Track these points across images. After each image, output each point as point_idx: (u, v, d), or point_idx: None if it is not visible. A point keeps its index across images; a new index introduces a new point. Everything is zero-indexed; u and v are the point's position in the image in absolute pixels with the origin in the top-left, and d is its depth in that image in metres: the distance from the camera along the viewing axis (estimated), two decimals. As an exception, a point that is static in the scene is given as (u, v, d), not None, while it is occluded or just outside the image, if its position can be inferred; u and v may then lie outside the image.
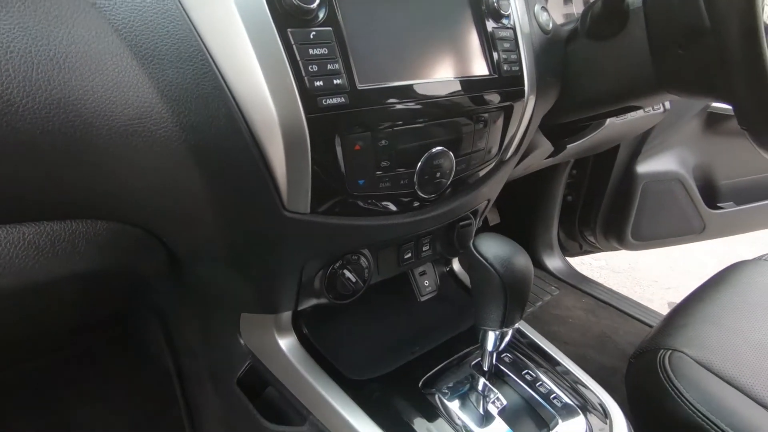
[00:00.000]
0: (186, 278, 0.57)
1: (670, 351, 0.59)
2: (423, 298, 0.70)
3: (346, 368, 0.56)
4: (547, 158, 0.88)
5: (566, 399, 0.51)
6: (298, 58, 0.38)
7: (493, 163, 0.58)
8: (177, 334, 0.88)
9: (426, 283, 0.71)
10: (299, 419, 0.55)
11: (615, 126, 0.95)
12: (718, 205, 1.42)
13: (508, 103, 0.54)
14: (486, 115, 0.52)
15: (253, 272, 0.50)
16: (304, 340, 0.59)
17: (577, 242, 1.54)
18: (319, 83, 0.39)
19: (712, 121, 1.33)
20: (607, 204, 1.39)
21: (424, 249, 0.62)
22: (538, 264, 1.46)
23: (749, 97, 0.45)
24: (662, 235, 1.42)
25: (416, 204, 0.52)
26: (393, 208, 0.50)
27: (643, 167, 1.31)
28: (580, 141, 0.87)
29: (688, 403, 0.53)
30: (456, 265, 0.76)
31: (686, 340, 0.61)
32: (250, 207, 0.42)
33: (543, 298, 1.32)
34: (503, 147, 0.57)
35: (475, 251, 0.46)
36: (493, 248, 0.46)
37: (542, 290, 1.35)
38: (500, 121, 0.55)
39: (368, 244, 0.53)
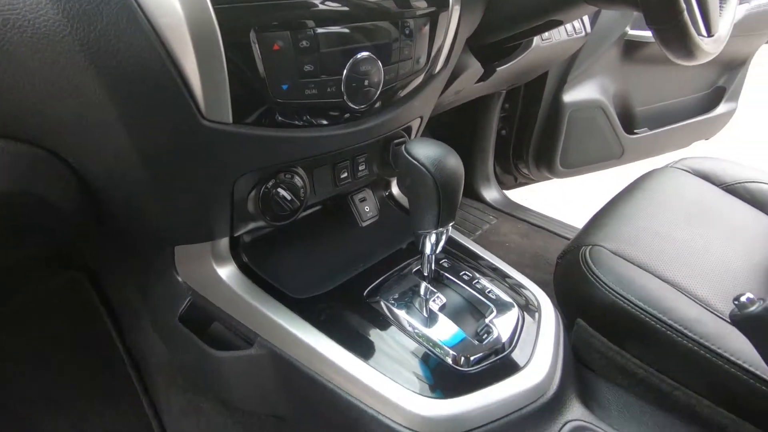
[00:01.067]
0: (108, 216, 0.53)
1: (590, 246, 0.65)
2: (364, 224, 0.70)
3: (288, 289, 0.56)
4: (478, 82, 0.90)
5: (500, 293, 0.55)
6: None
7: (422, 76, 0.58)
8: (111, 288, 0.84)
9: (366, 208, 0.71)
10: (247, 345, 0.55)
11: (541, 49, 0.98)
12: (635, 131, 1.53)
13: (433, 9, 0.53)
14: (411, 21, 0.51)
15: (179, 195, 0.47)
16: (244, 269, 0.58)
17: (512, 175, 1.62)
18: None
19: (629, 49, 1.40)
20: (538, 135, 1.45)
21: (361, 169, 0.62)
22: (477, 196, 1.52)
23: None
24: (588, 161, 1.52)
25: (346, 116, 0.50)
26: (322, 120, 0.49)
27: (569, 96, 1.37)
28: (509, 64, 0.89)
29: (605, 285, 0.59)
30: (395, 189, 0.77)
31: (603, 236, 0.67)
32: (162, 116, 0.39)
33: (482, 227, 1.39)
34: (431, 58, 0.57)
35: (406, 154, 0.46)
36: (424, 150, 0.46)
37: (481, 220, 1.41)
38: (426, 30, 0.54)
39: (300, 160, 0.52)
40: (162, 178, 0.44)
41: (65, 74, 0.34)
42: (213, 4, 0.35)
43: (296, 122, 0.46)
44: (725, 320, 0.55)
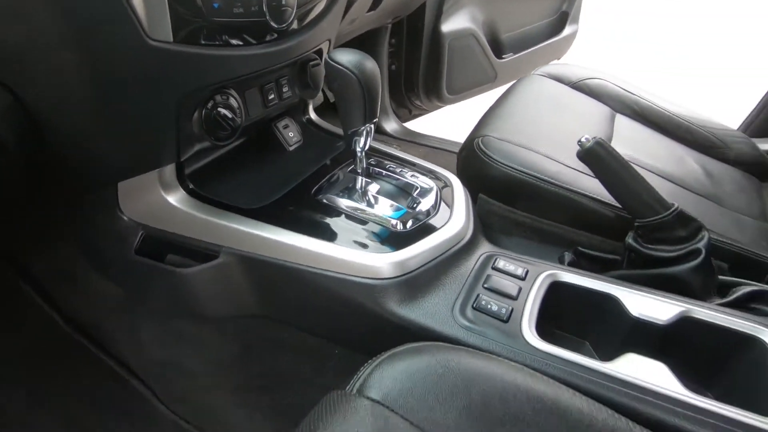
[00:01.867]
0: (51, 152, 0.53)
1: (481, 137, 0.80)
2: (291, 148, 0.77)
3: (240, 204, 0.62)
4: (369, 12, 0.98)
5: (420, 177, 0.68)
6: None
7: (326, -1, 0.65)
8: (37, 264, 0.81)
9: (291, 134, 0.78)
10: (212, 258, 0.61)
11: (418, -21, 1.09)
12: (503, 56, 1.74)
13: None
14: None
15: (127, 119, 0.50)
16: (193, 194, 0.62)
17: (406, 108, 1.76)
18: None
19: (490, -21, 1.58)
20: (424, 66, 1.59)
21: (285, 90, 0.68)
22: (378, 130, 1.64)
23: None
24: (469, 86, 1.71)
25: (272, 36, 0.57)
26: (251, 38, 0.54)
27: (446, 26, 1.52)
28: (392, -10, 0.99)
29: (498, 162, 0.75)
30: (313, 114, 0.84)
31: (490, 129, 0.84)
32: (110, 38, 0.42)
33: (389, 155, 1.52)
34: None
35: (332, 61, 0.55)
36: (346, 56, 0.55)
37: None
38: (325, -46, 0.61)
39: (234, 79, 0.57)
40: (110, 101, 0.47)
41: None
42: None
43: (230, 41, 0.51)
44: (579, 170, 0.75)
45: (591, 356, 0.46)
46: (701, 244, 0.58)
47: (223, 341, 0.68)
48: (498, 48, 1.72)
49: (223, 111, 0.56)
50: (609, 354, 0.47)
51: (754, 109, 1.17)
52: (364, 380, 0.40)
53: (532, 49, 1.79)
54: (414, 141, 1.59)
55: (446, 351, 0.42)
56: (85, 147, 0.51)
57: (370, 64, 0.56)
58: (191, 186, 0.63)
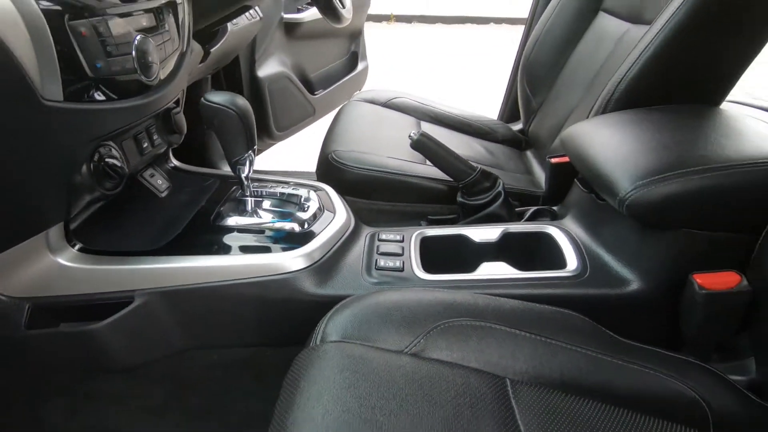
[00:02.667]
0: None
1: (333, 152, 0.98)
2: (163, 195, 0.81)
3: (139, 247, 0.65)
4: (200, 64, 1.07)
5: (300, 188, 0.81)
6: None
7: (179, 54, 0.73)
8: None
9: (159, 181, 0.82)
10: (125, 305, 0.62)
11: (234, 34, 1.22)
12: (315, 92, 1.98)
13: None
14: (164, 9, 0.67)
15: (14, 181, 0.50)
16: (84, 250, 0.62)
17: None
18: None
19: (289, 29, 1.80)
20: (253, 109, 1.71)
21: (155, 138, 0.73)
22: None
23: None
24: (294, 122, 1.89)
25: (145, 89, 0.63)
26: (129, 92, 0.60)
27: (262, 72, 1.67)
28: (218, 44, 1.10)
29: (352, 167, 0.93)
30: (175, 161, 0.89)
31: (337, 144, 1.02)
32: (5, 102, 0.44)
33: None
34: (182, 37, 0.73)
35: (208, 102, 0.64)
36: (219, 96, 0.65)
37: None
38: (172, 18, 0.70)
39: (116, 129, 0.61)
40: (4, 164, 0.47)
41: None
42: (36, 2, 0.44)
43: (112, 96, 0.56)
44: (412, 161, 0.99)
45: (461, 272, 0.67)
46: (500, 189, 0.85)
47: (151, 387, 0.68)
48: (310, 86, 1.95)
49: (111, 161, 0.60)
50: (473, 267, 0.68)
51: (502, 103, 1.65)
52: (322, 332, 0.51)
53: (337, 84, 2.08)
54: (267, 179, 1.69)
55: (375, 294, 0.56)
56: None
57: (241, 100, 0.67)
58: (79, 244, 0.63)
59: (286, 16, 1.75)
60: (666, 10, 0.75)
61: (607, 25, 1.10)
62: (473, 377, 0.46)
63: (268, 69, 1.72)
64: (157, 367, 0.67)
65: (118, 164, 0.60)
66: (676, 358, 0.53)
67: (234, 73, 1.61)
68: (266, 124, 1.75)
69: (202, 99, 0.65)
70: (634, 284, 0.63)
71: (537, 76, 1.25)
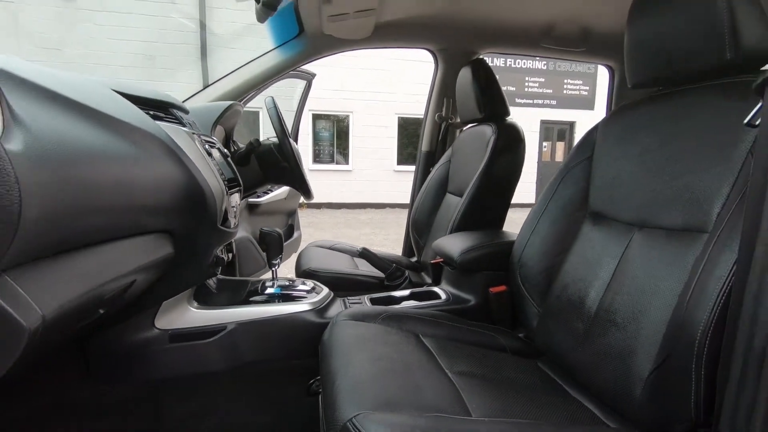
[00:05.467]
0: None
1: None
2: (214, 291, 1.39)
3: (225, 303, 1.22)
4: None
5: (307, 284, 1.44)
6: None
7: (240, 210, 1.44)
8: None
9: (211, 282, 1.41)
10: (219, 332, 1.16)
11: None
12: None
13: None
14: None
15: (204, 259, 1.11)
16: (202, 303, 1.19)
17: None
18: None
19: (251, 207, 2.57)
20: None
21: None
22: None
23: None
24: (252, 271, 2.50)
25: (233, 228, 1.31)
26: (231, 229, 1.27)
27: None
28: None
29: (320, 271, 1.60)
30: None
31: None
32: (209, 225, 1.10)
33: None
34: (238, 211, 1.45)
35: (266, 231, 1.33)
36: (269, 229, 1.34)
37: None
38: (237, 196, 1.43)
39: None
40: (203, 250, 1.09)
41: (184, 214, 1.03)
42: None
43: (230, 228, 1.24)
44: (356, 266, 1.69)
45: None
46: (407, 275, 1.59)
47: (235, 381, 1.16)
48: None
49: (221, 254, 1.22)
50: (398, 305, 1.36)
51: (403, 244, 2.50)
52: (330, 329, 1.13)
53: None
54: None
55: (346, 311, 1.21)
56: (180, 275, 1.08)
57: (277, 232, 1.36)
58: (198, 299, 1.19)
59: (250, 200, 2.55)
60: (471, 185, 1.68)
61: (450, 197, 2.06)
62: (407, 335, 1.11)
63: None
64: (230, 374, 1.17)
65: (224, 257, 1.23)
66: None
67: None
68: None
69: (263, 229, 1.33)
70: (472, 301, 1.36)
71: (421, 223, 2.12)
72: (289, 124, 3.19)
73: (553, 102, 11.81)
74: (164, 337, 1.10)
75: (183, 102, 1.84)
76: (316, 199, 9.31)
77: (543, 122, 11.94)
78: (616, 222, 1.03)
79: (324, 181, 10.45)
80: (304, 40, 1.90)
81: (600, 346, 0.93)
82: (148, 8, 8.25)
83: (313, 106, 10.10)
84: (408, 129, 11.04)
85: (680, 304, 0.74)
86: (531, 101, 11.67)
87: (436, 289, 1.45)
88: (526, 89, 11.61)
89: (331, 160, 11.10)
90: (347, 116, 10.91)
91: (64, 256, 0.58)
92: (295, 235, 3.04)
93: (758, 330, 0.56)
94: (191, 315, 1.14)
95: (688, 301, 0.72)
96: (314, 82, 3.18)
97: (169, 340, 1.11)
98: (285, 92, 3.02)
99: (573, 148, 1.23)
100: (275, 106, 1.52)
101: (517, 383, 0.97)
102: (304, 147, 10.22)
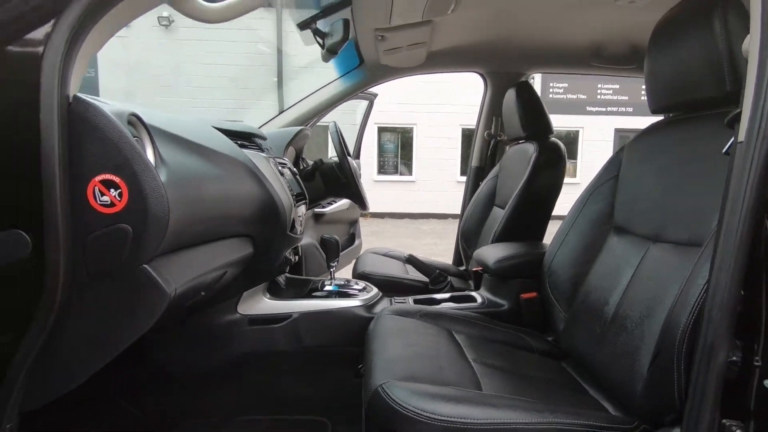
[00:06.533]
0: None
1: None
2: (283, 287, 1.66)
3: (292, 296, 1.48)
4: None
5: (360, 284, 1.67)
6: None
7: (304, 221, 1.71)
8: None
9: (281, 280, 1.68)
10: (285, 319, 1.41)
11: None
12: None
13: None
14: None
15: (276, 258, 1.37)
16: (272, 294, 1.45)
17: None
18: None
19: (316, 217, 2.88)
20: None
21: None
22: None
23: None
24: (317, 274, 2.79)
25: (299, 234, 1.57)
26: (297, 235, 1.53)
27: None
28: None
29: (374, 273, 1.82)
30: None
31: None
32: (281, 232, 1.35)
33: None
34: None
35: (328, 238, 1.57)
36: (328, 238, 1.58)
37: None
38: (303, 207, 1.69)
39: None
40: (279, 248, 1.36)
41: (262, 223, 1.30)
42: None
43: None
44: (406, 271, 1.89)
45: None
46: (449, 280, 1.75)
47: (297, 360, 1.41)
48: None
49: (288, 257, 1.48)
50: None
51: (454, 254, 2.66)
52: (374, 322, 1.33)
53: (342, 253, 3.08)
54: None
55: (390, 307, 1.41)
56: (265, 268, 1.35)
57: (335, 239, 1.60)
58: (270, 291, 1.46)
59: (315, 210, 2.85)
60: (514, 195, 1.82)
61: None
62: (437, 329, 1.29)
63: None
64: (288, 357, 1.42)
65: (291, 258, 1.48)
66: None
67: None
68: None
69: (324, 236, 1.58)
70: (505, 305, 1.49)
71: (470, 234, 2.26)
72: (352, 139, 3.49)
73: (630, 109, 11.20)
74: (244, 321, 1.37)
75: (263, 125, 2.18)
76: (380, 209, 9.63)
77: (618, 131, 11.36)
78: (634, 236, 1.14)
79: (388, 192, 10.79)
80: (364, 69, 2.15)
81: (613, 347, 1.04)
82: (233, 36, 9.20)
83: (378, 119, 10.52)
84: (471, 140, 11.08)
85: (671, 309, 0.85)
86: (604, 109, 11.16)
87: (473, 293, 1.60)
88: (598, 97, 11.14)
89: (395, 171, 11.44)
90: (411, 128, 11.20)
91: (185, 250, 0.85)
92: (356, 242, 3.30)
93: (710, 327, 0.68)
94: (265, 304, 1.41)
95: (675, 306, 0.84)
96: (380, 95, 3.44)
97: (248, 323, 1.38)
98: (350, 106, 3.31)
99: (601, 168, 1.34)
100: (337, 131, 1.77)
101: (536, 378, 1.10)
102: (369, 159, 10.66)
